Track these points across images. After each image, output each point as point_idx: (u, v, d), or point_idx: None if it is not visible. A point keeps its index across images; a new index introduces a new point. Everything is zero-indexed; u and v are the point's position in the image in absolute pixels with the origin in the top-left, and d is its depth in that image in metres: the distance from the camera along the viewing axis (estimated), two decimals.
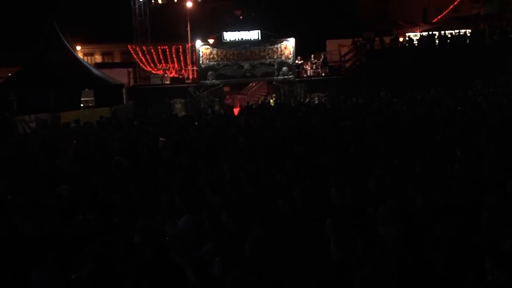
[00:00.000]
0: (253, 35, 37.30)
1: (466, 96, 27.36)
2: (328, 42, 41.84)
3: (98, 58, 60.01)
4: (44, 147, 15.37)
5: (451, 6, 48.97)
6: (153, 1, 44.15)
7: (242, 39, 37.23)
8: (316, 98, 35.47)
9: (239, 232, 7.73)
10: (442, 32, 40.87)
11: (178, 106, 35.41)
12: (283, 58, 37.22)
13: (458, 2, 49.63)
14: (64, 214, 9.02)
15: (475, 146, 13.23)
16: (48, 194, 10.14)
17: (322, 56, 39.29)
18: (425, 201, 8.51)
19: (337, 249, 6.98)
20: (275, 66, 37.15)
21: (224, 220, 8.19)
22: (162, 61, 37.69)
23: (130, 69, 38.64)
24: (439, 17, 49.16)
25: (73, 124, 22.03)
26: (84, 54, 53.28)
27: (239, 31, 37.56)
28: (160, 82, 37.75)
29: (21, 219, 8.55)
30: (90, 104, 30.53)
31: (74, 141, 16.57)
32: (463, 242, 7.18)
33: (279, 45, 37.23)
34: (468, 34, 40.85)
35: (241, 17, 74.63)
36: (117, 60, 58.89)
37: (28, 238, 8.00)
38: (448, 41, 39.90)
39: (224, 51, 37.06)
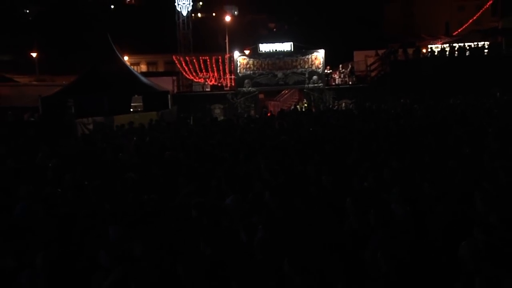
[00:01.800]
0: (286, 46, 37.90)
1: (481, 103, 27.82)
2: (355, 53, 42.29)
3: (143, 68, 61.38)
4: (109, 144, 16.72)
5: (471, 20, 48.93)
6: (192, 15, 45.33)
7: (276, 50, 37.81)
8: (344, 104, 36.07)
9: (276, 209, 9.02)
10: (462, 44, 40.80)
11: (217, 111, 36.21)
12: (313, 67, 37.66)
13: (478, 16, 49.57)
14: (132, 194, 10.35)
15: (482, 144, 13.88)
16: (118, 180, 11.49)
17: (350, 66, 39.92)
18: (430, 187, 9.58)
19: (355, 222, 8.18)
20: (306, 75, 37.62)
21: (266, 199, 9.46)
22: (203, 70, 38.71)
23: (174, 77, 39.64)
24: (459, 30, 49.02)
25: (127, 126, 23.20)
26: (131, 64, 54.38)
27: (273, 43, 38.23)
28: (201, 89, 38.79)
29: (100, 198, 9.93)
30: (139, 109, 31.38)
31: (134, 138, 17.87)
32: (459, 219, 8.17)
33: (310, 56, 37.69)
34: (486, 46, 40.79)
35: (274, 30, 75.68)
36: (160, 69, 60.11)
37: (106, 213, 9.34)
38: (467, 52, 39.87)
39: (260, 61, 37.63)
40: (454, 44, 41.34)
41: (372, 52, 40.99)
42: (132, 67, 44.92)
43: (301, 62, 37.72)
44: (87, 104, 28.47)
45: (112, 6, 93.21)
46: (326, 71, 38.37)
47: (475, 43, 41.28)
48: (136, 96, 31.52)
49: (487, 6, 49.78)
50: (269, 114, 30.51)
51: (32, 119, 29.46)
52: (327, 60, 38.32)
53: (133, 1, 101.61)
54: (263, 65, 37.68)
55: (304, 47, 38.35)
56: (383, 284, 6.41)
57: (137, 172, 12.01)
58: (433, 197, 9.20)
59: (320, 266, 6.70)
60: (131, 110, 30.90)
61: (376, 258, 6.68)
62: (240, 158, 13.52)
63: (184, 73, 39.39)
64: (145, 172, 12.41)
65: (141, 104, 31.70)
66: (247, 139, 16.94)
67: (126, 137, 18.77)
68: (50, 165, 13.02)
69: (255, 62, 37.68)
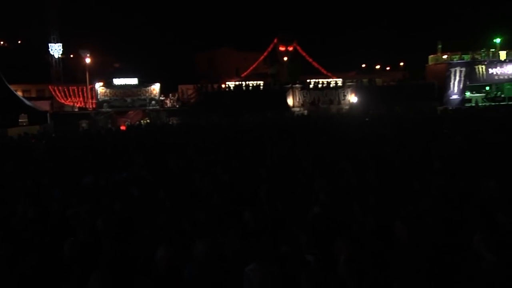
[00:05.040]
0: (134, 81, 38.08)
1: (261, 120, 30.32)
2: (179, 86, 42.70)
3: (19, 93, 57.26)
4: (21, 145, 16.83)
5: (251, 67, 50.69)
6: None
7: (126, 83, 37.91)
8: (173, 121, 36.56)
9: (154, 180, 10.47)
10: (247, 82, 42.94)
11: (84, 125, 35.46)
12: (152, 95, 38.15)
13: (257, 65, 51.38)
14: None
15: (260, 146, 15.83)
16: (42, 168, 12.22)
17: (176, 95, 40.79)
18: (240, 165, 11.67)
19: (200, 181, 9.95)
20: (147, 100, 38.03)
21: (144, 175, 10.93)
22: (72, 96, 37.90)
23: (50, 101, 38.32)
24: (245, 73, 50.68)
25: (23, 134, 22.81)
26: None
27: (124, 77, 38.19)
28: (71, 110, 37.78)
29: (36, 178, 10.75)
30: (24, 124, 30.48)
31: (43, 141, 18.04)
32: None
33: (149, 88, 38.20)
34: (262, 84, 43.06)
35: (118, 68, 73.89)
36: (33, 95, 56.66)
37: (45, 187, 10.03)
38: (250, 87, 41.98)
39: (114, 91, 37.46)
40: (242, 82, 43.14)
41: (191, 86, 41.91)
42: None
43: (144, 91, 38.08)
44: None
45: None
46: (161, 98, 38.94)
47: (255, 82, 43.23)
48: (22, 114, 30.46)
49: (261, 59, 51.70)
50: (124, 128, 31.04)
51: None
52: (161, 90, 38.89)
53: (6, 44, 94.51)
54: (116, 93, 37.51)
55: (145, 81, 38.55)
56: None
57: (51, 163, 12.83)
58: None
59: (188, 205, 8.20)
60: (19, 124, 29.85)
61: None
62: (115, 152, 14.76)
63: (57, 98, 38.10)
64: (57, 162, 13.18)
65: (26, 120, 30.67)
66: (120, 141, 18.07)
67: (36, 140, 18.83)
68: None
69: (111, 91, 37.45)
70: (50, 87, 38.78)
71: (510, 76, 44.25)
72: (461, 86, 43.46)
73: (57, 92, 37.94)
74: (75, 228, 6.36)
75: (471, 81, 43.71)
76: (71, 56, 78.85)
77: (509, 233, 5.62)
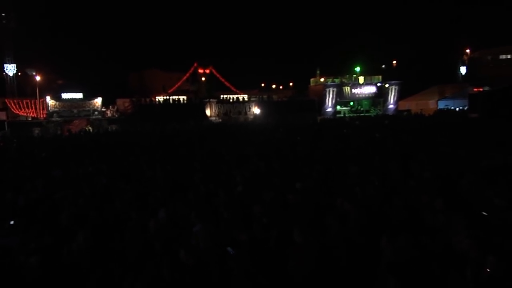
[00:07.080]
0: (79, 95, 36.58)
1: (187, 127, 30.59)
2: (118, 100, 40.71)
3: None
4: None
5: (178, 84, 50.10)
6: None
7: (72, 97, 36.25)
8: (114, 128, 35.71)
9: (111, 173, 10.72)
10: (173, 97, 42.54)
11: (37, 131, 33.25)
12: (95, 107, 36.79)
13: (181, 83, 50.85)
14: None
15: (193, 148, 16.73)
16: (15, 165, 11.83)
17: (116, 107, 39.34)
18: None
19: (149, 172, 10.42)
20: (91, 111, 36.62)
21: (103, 168, 11.11)
22: (26, 108, 35.41)
23: (6, 111, 35.54)
24: (171, 89, 49.67)
25: None
26: None
27: (72, 92, 36.54)
28: (25, 119, 35.35)
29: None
30: None
31: (14, 144, 17.00)
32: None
33: (93, 101, 36.81)
34: (185, 99, 42.99)
35: (61, 84, 69.26)
36: None
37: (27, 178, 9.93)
38: (176, 101, 41.69)
39: (62, 103, 35.71)
40: (169, 97, 42.69)
41: (127, 99, 40.61)
42: None
43: (88, 104, 36.63)
44: None
45: None
46: (102, 109, 37.69)
47: (179, 97, 42.95)
48: None
49: (184, 78, 50.93)
50: (67, 133, 29.59)
51: None
52: (103, 103, 37.56)
53: None
54: (64, 105, 35.75)
55: (89, 96, 37.07)
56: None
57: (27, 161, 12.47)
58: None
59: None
60: None
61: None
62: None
63: (12, 109, 35.23)
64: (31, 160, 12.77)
65: None
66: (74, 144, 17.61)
67: (4, 143, 17.70)
68: None
69: (60, 103, 35.61)
70: (6, 100, 35.94)
71: (367, 95, 48.70)
72: (334, 101, 46.88)
73: (12, 104, 35.17)
74: (64, 206, 6.75)
75: (340, 98, 47.35)
76: (19, 73, 72.74)
77: (362, 200, 7.01)
